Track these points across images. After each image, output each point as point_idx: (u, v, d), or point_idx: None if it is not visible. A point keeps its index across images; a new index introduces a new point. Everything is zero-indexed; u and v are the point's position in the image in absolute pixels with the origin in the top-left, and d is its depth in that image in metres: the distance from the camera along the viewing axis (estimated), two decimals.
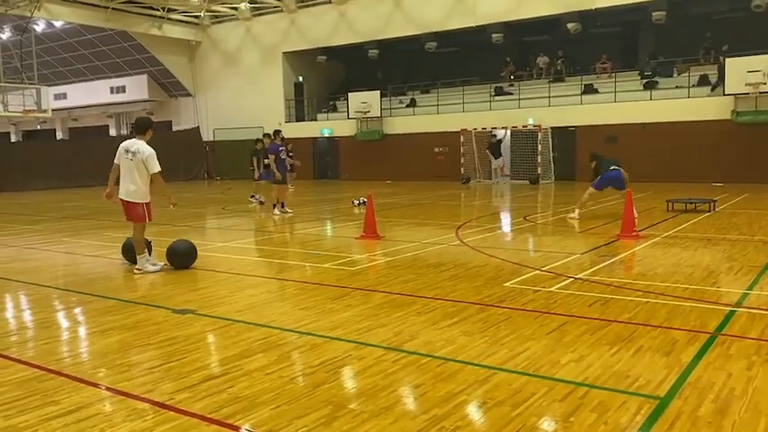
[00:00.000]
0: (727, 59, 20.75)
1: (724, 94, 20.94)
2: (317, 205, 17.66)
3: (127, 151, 7.76)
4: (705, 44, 23.86)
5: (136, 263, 8.04)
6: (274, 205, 14.75)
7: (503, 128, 24.75)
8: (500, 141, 24.35)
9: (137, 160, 7.68)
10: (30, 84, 26.30)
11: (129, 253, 8.37)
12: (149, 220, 7.93)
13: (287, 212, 14.68)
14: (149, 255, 8.39)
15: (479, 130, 25.70)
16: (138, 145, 7.73)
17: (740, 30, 22.95)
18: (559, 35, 26.04)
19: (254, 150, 17.72)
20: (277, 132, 15.26)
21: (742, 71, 20.15)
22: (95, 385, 4.09)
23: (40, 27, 32.22)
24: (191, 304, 6.23)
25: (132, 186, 7.75)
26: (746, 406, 3.54)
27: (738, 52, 20.90)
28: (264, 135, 17.34)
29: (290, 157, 21.40)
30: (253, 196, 17.65)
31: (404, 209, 15.59)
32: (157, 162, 7.71)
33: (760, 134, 20.68)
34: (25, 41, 27.41)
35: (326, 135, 30.45)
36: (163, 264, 8.08)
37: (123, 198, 7.85)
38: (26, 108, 26.03)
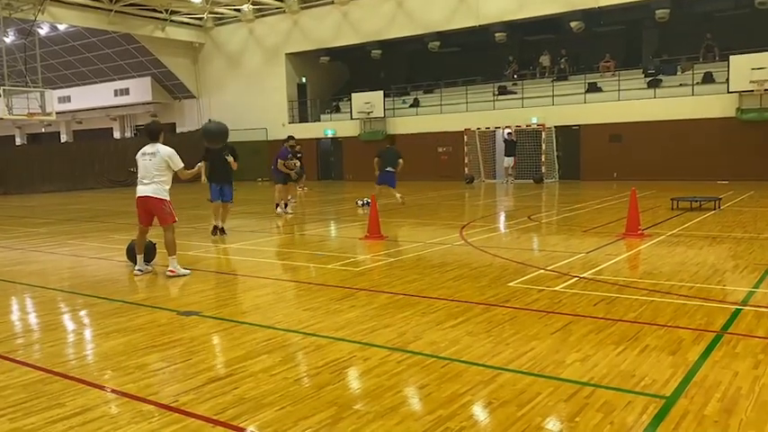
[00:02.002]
0: (731, 57, 20.68)
1: (728, 92, 20.87)
2: (322, 206, 17.67)
3: (144, 154, 7.86)
4: (706, 42, 23.78)
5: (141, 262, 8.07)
6: (277, 205, 14.87)
7: (506, 127, 24.70)
8: (514, 142, 24.26)
9: (157, 159, 7.76)
10: (34, 87, 26.38)
11: (133, 254, 8.39)
12: (175, 220, 7.93)
13: (288, 213, 14.83)
14: (153, 258, 8.42)
15: (483, 129, 25.68)
16: (157, 147, 7.86)
17: (745, 27, 22.87)
18: (563, 34, 26.01)
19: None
20: (288, 138, 15.68)
21: (746, 69, 20.08)
22: (101, 387, 4.10)
23: (43, 30, 32.31)
24: (195, 306, 6.23)
25: (154, 184, 7.80)
26: (753, 405, 3.52)
27: (743, 49, 20.82)
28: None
29: (297, 157, 21.43)
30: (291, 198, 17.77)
31: (408, 209, 15.58)
32: (179, 159, 7.90)
33: (765, 132, 20.60)
34: (29, 45, 27.49)
35: (330, 136, 30.47)
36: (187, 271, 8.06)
37: (146, 195, 7.83)
38: (30, 111, 26.10)
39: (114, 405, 3.81)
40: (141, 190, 7.90)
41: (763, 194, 16.16)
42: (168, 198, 7.91)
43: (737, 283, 6.58)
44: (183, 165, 7.91)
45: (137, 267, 7.99)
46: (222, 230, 11.36)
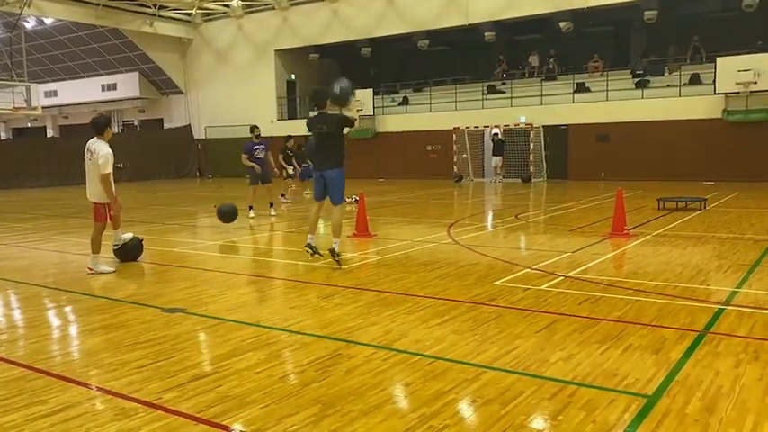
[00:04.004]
0: (718, 59, 20.84)
1: (715, 93, 21.03)
2: (309, 203, 17.61)
3: (87, 151, 7.66)
4: (693, 44, 23.95)
5: (129, 260, 8.03)
6: (250, 207, 13.69)
7: (495, 126, 24.78)
8: (502, 141, 24.39)
9: (94, 160, 7.57)
10: (20, 81, 26.10)
11: (127, 253, 8.34)
12: (110, 220, 7.87)
13: (271, 214, 13.94)
14: (140, 255, 8.39)
15: (472, 128, 25.73)
16: (96, 145, 7.60)
17: (731, 29, 23.05)
18: (551, 34, 26.09)
19: (283, 148, 17.70)
20: (252, 129, 14.12)
21: (733, 70, 20.24)
22: (83, 384, 4.07)
23: (30, 24, 31.96)
24: (180, 303, 6.20)
25: (93, 187, 7.71)
26: (734, 404, 3.56)
27: (730, 51, 20.99)
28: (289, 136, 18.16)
29: (289, 155, 21.41)
30: (283, 195, 17.02)
31: (396, 207, 15.59)
32: (110, 165, 7.53)
33: (750, 133, 20.78)
34: (15, 38, 27.20)
35: None
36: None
37: (90, 199, 7.80)
38: (16, 105, 25.84)
39: (96, 402, 3.78)
40: (87, 192, 7.81)
41: (748, 195, 16.31)
42: (105, 200, 7.69)
43: (721, 283, 6.63)
44: (109, 171, 7.55)
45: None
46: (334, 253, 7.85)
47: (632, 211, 12.67)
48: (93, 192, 7.73)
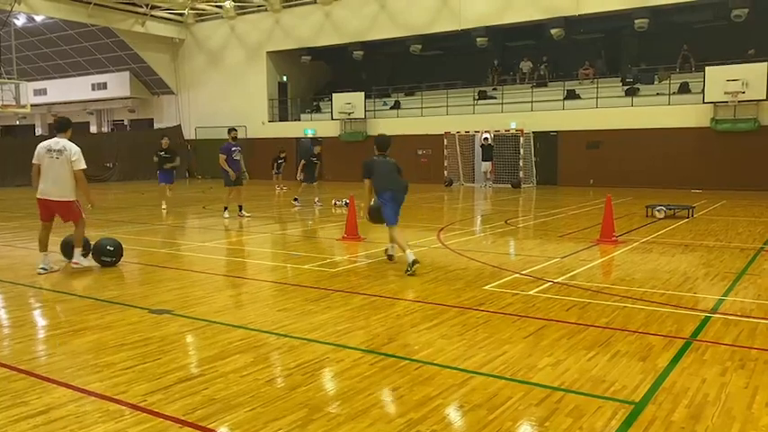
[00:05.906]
0: (707, 68, 21.02)
1: (704, 102, 21.20)
2: (300, 206, 17.56)
3: (50, 150, 7.59)
4: (683, 53, 24.14)
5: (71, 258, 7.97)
6: (225, 208, 14.03)
7: (485, 131, 24.83)
8: (491, 146, 24.46)
9: (63, 158, 7.53)
10: (8, 78, 25.88)
11: (67, 250, 8.26)
12: (82, 217, 7.90)
13: (243, 216, 13.93)
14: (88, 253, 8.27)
15: (463, 133, 25.78)
16: (64, 143, 7.60)
17: (721, 39, 23.26)
18: (543, 40, 26.20)
19: (309, 155, 17.56)
20: (230, 131, 14.28)
21: (721, 80, 20.41)
22: (67, 386, 4.02)
23: (20, 21, 31.73)
24: (168, 304, 6.16)
25: (60, 185, 7.63)
26: (719, 411, 3.57)
27: (719, 61, 21.17)
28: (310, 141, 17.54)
29: (281, 158, 21.33)
30: (296, 199, 17.00)
31: None
32: (83, 160, 7.64)
33: (738, 142, 20.96)
34: (5, 36, 26.99)
35: (310, 135, 30.36)
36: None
37: (52, 198, 7.68)
38: (4, 103, 25.60)
39: (80, 404, 3.74)
40: (46, 191, 7.67)
41: (735, 204, 16.43)
42: (74, 198, 7.71)
43: (708, 291, 6.67)
44: (84, 166, 7.62)
45: (40, 265, 7.81)
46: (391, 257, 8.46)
47: (621, 217, 12.73)
48: (62, 191, 7.63)
